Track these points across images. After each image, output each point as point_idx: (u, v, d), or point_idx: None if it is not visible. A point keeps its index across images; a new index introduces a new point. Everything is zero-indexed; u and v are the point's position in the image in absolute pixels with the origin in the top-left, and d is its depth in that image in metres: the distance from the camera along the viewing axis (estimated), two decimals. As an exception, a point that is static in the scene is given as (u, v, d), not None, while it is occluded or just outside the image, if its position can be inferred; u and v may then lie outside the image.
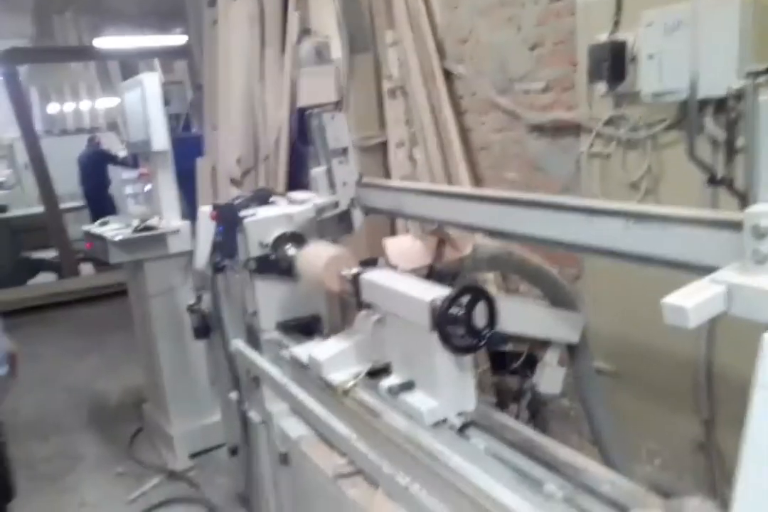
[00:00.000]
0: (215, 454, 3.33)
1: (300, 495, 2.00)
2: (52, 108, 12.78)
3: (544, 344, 2.20)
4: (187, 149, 5.24)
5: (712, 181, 0.95)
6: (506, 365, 2.51)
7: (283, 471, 2.06)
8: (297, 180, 4.30)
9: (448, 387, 1.42)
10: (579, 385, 2.21)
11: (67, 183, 9.42)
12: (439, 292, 1.38)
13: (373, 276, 1.64)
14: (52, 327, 6.13)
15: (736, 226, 1.00)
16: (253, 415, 2.23)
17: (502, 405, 2.60)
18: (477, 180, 3.32)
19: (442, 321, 1.31)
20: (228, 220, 2.13)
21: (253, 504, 2.38)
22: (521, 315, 2.01)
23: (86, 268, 8.06)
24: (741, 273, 0.93)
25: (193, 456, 3.38)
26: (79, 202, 9.84)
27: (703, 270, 1.06)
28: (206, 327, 2.50)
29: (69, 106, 12.82)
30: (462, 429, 1.42)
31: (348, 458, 1.65)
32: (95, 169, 9.18)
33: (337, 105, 3.69)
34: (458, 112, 3.32)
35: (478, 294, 1.33)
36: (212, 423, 3.32)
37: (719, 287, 0.90)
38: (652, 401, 2.60)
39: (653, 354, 2.54)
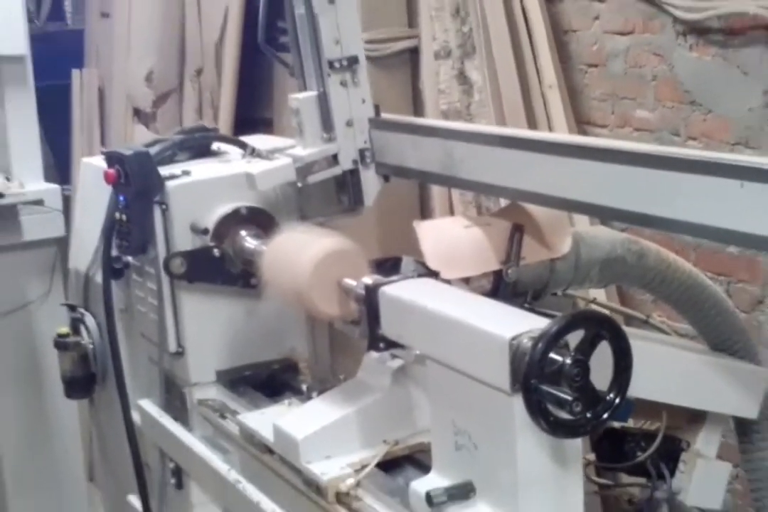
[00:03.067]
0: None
1: None
2: None
3: (694, 420, 2.18)
4: (55, 54, 5.19)
5: None
6: (624, 454, 2.48)
7: None
8: (252, 113, 4.28)
9: (539, 497, 1.41)
10: (759, 491, 2.19)
11: None
12: (525, 324, 1.37)
13: (402, 290, 1.63)
14: None
15: None
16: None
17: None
18: (579, 120, 3.30)
19: (533, 376, 1.30)
20: (137, 183, 2.12)
21: None
22: (655, 369, 2.00)
23: None
24: None
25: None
26: None
27: None
28: (88, 376, 2.49)
29: None
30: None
31: None
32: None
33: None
34: (548, -3, 3.32)
35: (599, 328, 1.32)
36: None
37: None
38: None
39: None
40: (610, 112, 3.23)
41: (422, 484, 1.53)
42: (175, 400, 2.25)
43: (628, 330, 2.44)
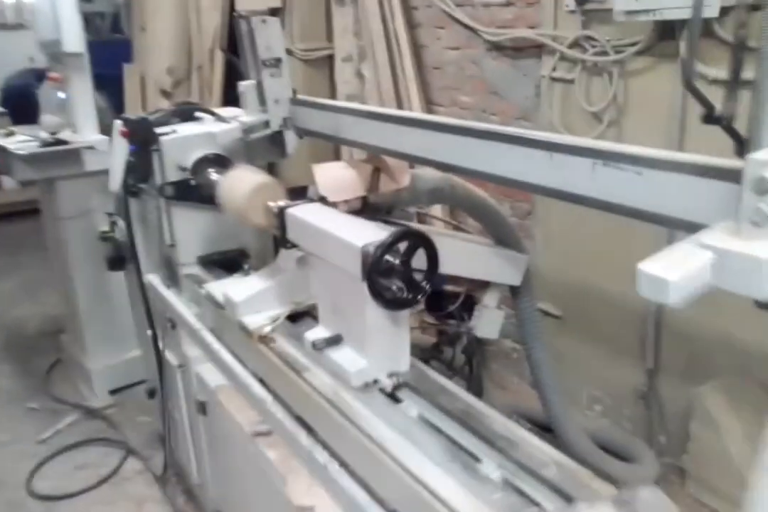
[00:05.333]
0: (137, 391, 3.11)
1: (218, 446, 1.87)
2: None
3: (484, 285, 2.07)
4: (115, 53, 4.79)
5: (709, 118, 0.76)
6: (443, 306, 2.37)
7: (200, 419, 1.91)
8: (234, 93, 3.98)
9: (380, 344, 1.26)
10: (521, 328, 2.10)
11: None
12: (373, 236, 1.19)
13: (300, 211, 1.43)
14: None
15: (730, 175, 0.83)
16: (170, 357, 2.05)
17: (438, 348, 2.49)
18: (428, 102, 3.08)
19: (374, 271, 1.13)
20: (142, 137, 1.88)
21: (172, 448, 2.25)
22: (460, 255, 1.87)
23: (9, 182, 7.54)
24: (734, 237, 0.76)
25: (114, 392, 3.17)
26: None
27: (684, 226, 0.90)
28: (121, 257, 2.26)
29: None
30: (393, 392, 1.28)
31: (267, 415, 1.51)
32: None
33: (276, 12, 3.34)
34: (411, 26, 3.03)
35: (418, 240, 1.15)
36: (134, 358, 3.09)
37: (707, 253, 0.73)
38: (597, 347, 2.53)
39: (601, 299, 2.44)
40: (446, 96, 3.01)
41: (311, 335, 1.37)
42: (172, 273, 2.05)
43: (445, 232, 2.32)
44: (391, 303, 1.16)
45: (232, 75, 3.83)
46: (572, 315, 2.59)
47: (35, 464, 2.72)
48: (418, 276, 1.17)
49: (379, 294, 1.14)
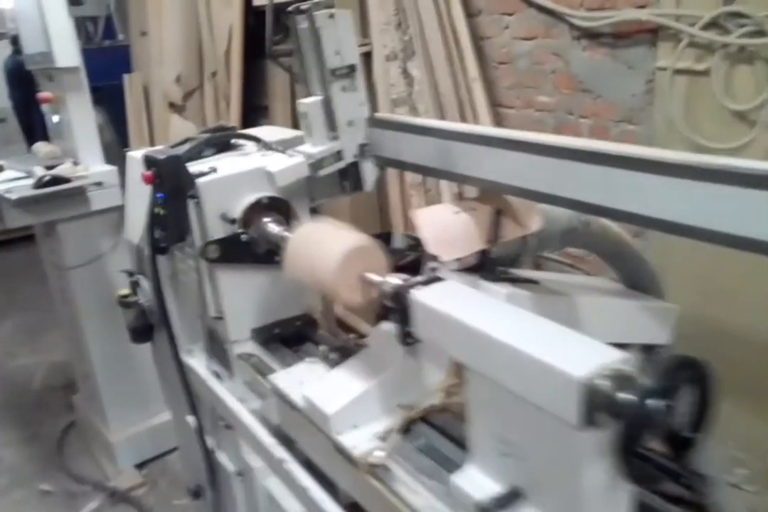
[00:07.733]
0: (168, 463, 2.70)
1: None
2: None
3: (618, 347, 1.64)
4: (111, 62, 4.36)
5: None
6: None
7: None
8: (254, 102, 3.53)
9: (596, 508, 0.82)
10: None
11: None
12: (593, 357, 0.75)
13: (434, 298, 0.99)
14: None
15: None
16: (224, 461, 1.62)
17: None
18: (493, 103, 2.63)
19: (631, 428, 0.68)
20: (172, 183, 1.43)
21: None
22: (600, 318, 1.46)
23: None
24: None
25: (141, 465, 2.75)
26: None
27: None
28: (147, 327, 1.82)
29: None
30: None
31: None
32: (24, 78, 7.85)
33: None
34: (470, 13, 2.58)
35: (695, 375, 0.70)
36: (162, 424, 2.67)
37: None
38: (739, 397, 2.10)
39: (739, 340, 2.05)
40: (516, 97, 2.56)
41: (471, 487, 0.93)
42: (219, 351, 1.62)
43: (569, 278, 1.88)
44: (641, 482, 0.71)
45: (251, 82, 3.39)
46: (704, 359, 2.15)
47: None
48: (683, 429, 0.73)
49: (628, 464, 0.70)
